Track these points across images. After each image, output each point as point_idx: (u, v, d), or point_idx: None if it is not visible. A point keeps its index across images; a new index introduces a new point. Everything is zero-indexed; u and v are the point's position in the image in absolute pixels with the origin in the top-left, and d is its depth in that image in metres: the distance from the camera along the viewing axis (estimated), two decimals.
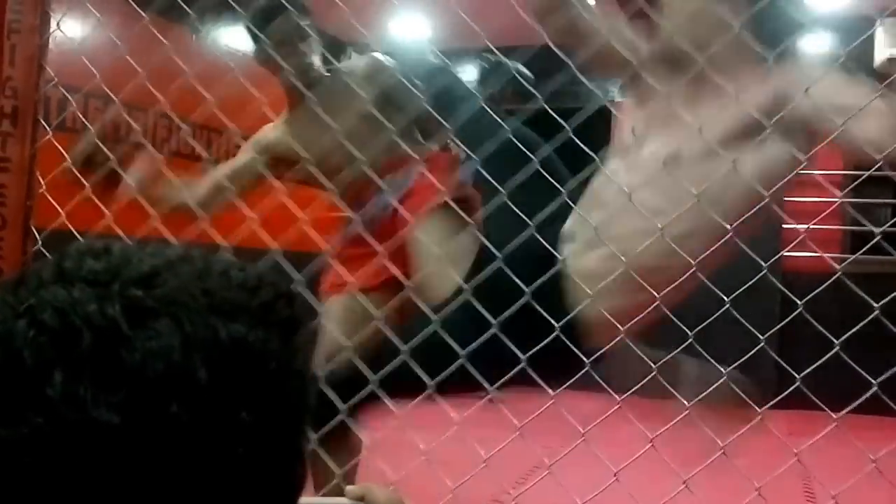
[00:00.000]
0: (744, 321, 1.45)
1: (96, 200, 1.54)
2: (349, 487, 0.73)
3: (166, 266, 0.43)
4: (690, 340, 1.47)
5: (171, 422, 0.38)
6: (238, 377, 0.40)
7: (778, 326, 1.61)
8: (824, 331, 1.40)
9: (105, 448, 0.37)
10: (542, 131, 1.71)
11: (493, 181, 1.50)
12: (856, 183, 4.63)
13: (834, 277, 1.40)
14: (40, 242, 1.54)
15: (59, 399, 0.37)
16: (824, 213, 3.78)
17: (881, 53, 5.31)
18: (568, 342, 1.44)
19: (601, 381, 1.50)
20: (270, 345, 0.41)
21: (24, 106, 1.41)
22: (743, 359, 1.43)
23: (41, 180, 1.45)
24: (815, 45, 6.20)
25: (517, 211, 1.45)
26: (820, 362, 1.42)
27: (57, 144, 1.59)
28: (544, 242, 1.49)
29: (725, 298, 1.44)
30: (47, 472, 0.37)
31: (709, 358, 1.52)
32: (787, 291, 1.46)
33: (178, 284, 0.42)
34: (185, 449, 0.38)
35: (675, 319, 1.46)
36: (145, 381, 0.38)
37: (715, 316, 1.46)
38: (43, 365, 0.37)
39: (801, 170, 1.46)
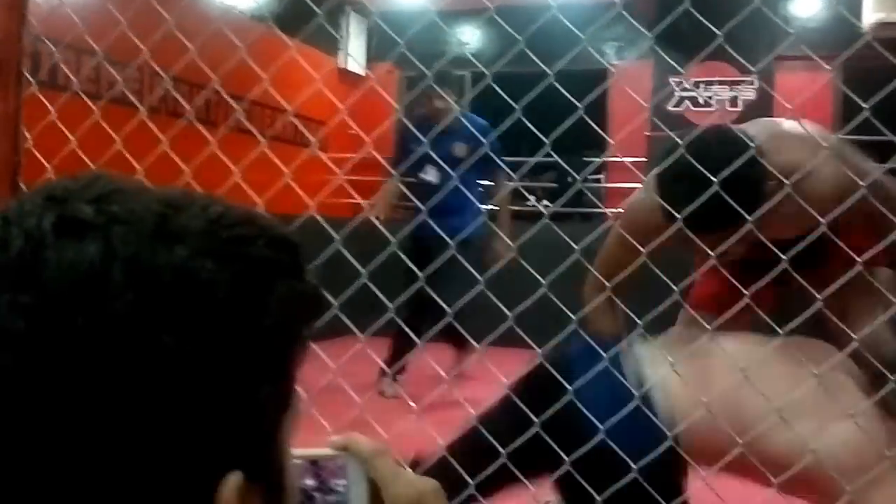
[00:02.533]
0: None
1: (84, 157, 1.53)
2: (332, 438, 0.72)
3: (136, 191, 0.42)
4: None
5: (76, 333, 0.36)
6: (164, 300, 0.38)
7: None
8: None
9: (13, 357, 0.36)
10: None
11: None
12: None
13: None
14: None
15: None
16: None
17: (869, 17, 5.27)
18: None
19: None
20: (220, 276, 0.40)
21: (6, 56, 1.36)
22: None
23: (27, 135, 1.43)
24: (804, 9, 6.17)
25: None
26: None
27: (44, 100, 1.57)
28: None
29: None
30: None
31: None
32: None
33: (132, 207, 0.41)
34: (92, 365, 0.37)
35: None
36: (54, 290, 0.37)
37: None
38: None
39: None
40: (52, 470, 0.36)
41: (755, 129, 1.69)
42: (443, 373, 1.73)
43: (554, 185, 7.87)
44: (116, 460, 0.37)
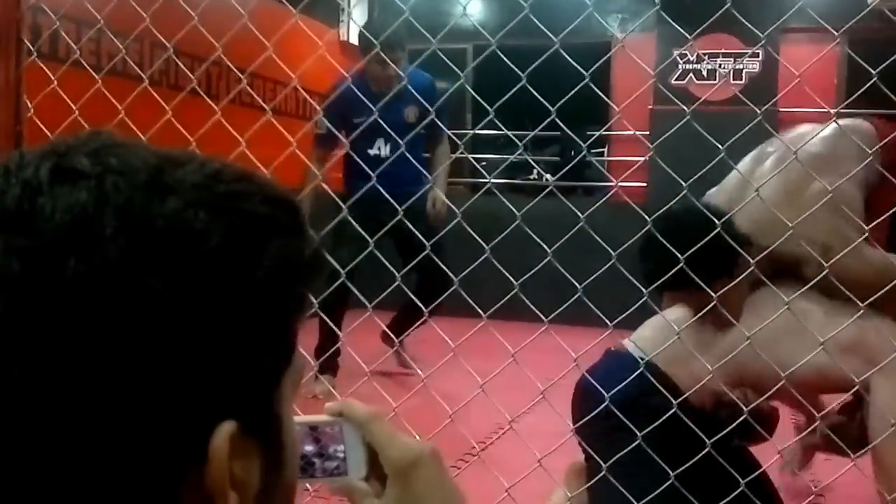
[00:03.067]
0: None
1: (85, 124, 1.53)
2: (328, 404, 0.72)
3: (135, 147, 0.43)
4: None
5: (69, 277, 0.37)
6: (156, 247, 0.39)
7: None
8: None
9: (6, 299, 0.37)
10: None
11: None
12: None
13: None
14: None
15: None
16: None
17: None
18: None
19: None
20: (212, 226, 0.40)
21: (5, 24, 1.35)
22: None
23: (29, 104, 1.43)
24: None
25: None
26: None
27: (45, 69, 1.57)
28: None
29: None
30: None
31: None
32: None
33: (129, 160, 0.41)
34: (84, 308, 0.37)
35: None
36: (48, 234, 0.38)
37: None
38: None
39: None
40: (41, 414, 0.37)
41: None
42: (450, 342, 1.74)
43: (556, 158, 7.85)
44: (106, 401, 0.38)
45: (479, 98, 1.66)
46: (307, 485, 0.71)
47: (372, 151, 3.87)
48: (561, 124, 1.58)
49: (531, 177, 8.11)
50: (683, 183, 1.51)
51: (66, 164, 0.40)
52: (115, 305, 0.37)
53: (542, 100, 1.54)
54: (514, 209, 1.69)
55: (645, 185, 5.67)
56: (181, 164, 0.43)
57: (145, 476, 0.39)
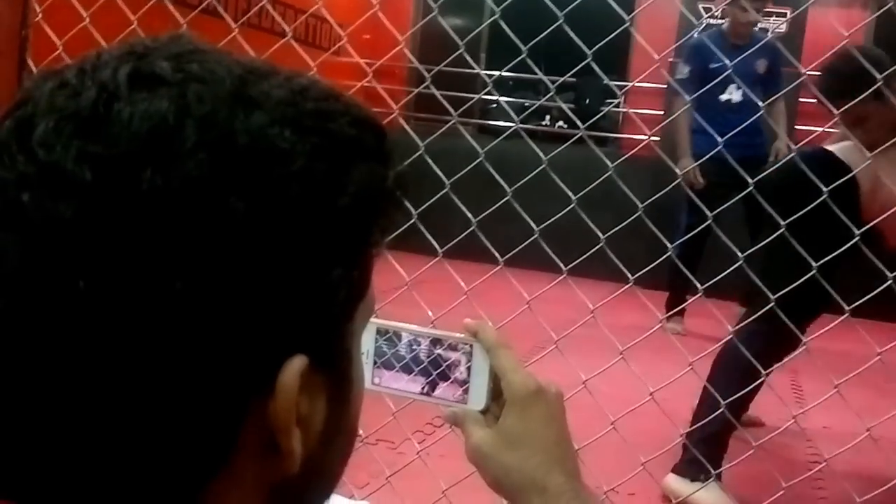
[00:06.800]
0: None
1: (95, 32, 1.49)
2: (467, 320, 0.71)
3: (214, 53, 0.40)
4: None
5: (143, 188, 0.35)
6: (237, 164, 0.36)
7: None
8: None
9: (77, 206, 0.34)
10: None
11: None
12: None
13: None
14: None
15: (37, 142, 0.35)
16: None
17: None
18: None
19: None
20: (298, 147, 0.38)
21: None
22: None
23: (37, 8, 1.39)
24: None
25: None
26: None
27: None
28: None
29: None
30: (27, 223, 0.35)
31: None
32: None
33: (212, 68, 0.39)
34: (157, 223, 0.34)
35: None
36: (124, 142, 0.35)
37: None
38: (42, 114, 0.36)
39: None
40: (104, 323, 0.34)
41: None
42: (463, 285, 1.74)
43: (571, 105, 7.74)
44: (174, 320, 0.35)
45: (577, 40, 1.63)
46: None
47: (723, 97, 4.27)
48: (595, 67, 1.59)
49: (543, 123, 8.01)
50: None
51: (145, 68, 0.38)
52: (192, 224, 0.35)
53: (579, 42, 1.52)
54: (541, 154, 1.68)
55: (658, 139, 5.61)
56: (265, 76, 0.40)
57: (209, 403, 0.37)
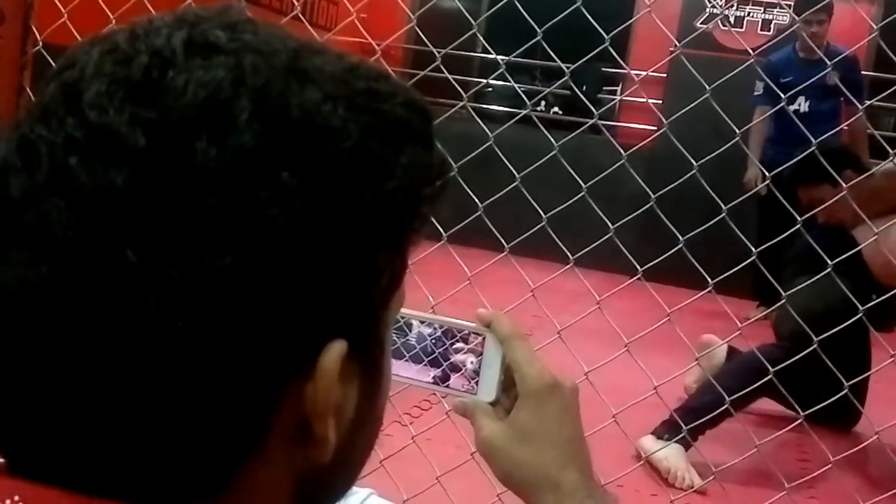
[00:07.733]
0: None
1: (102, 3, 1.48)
2: (480, 311, 0.69)
3: (265, 24, 0.40)
4: None
5: (196, 154, 0.34)
6: (291, 137, 0.36)
7: None
8: None
9: (129, 173, 0.34)
10: None
11: None
12: None
13: None
14: (41, 44, 1.51)
15: (87, 104, 0.35)
16: None
17: None
18: None
19: None
20: (350, 125, 0.37)
21: None
22: None
23: None
24: None
25: None
26: None
27: None
28: None
29: None
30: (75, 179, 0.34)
31: None
32: None
33: (267, 38, 0.38)
34: (210, 192, 0.34)
35: None
36: (178, 110, 0.34)
37: None
38: (90, 78, 0.36)
39: None
40: (147, 289, 0.34)
41: None
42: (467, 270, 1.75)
43: (566, 91, 7.73)
44: (222, 293, 0.34)
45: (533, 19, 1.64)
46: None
47: (792, 107, 4.54)
48: (612, 51, 1.60)
49: (538, 108, 7.99)
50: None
51: (200, 35, 0.37)
52: (244, 197, 0.34)
53: (596, 24, 1.53)
54: (553, 140, 1.68)
55: (656, 128, 5.61)
56: (318, 51, 0.39)
57: (249, 380, 0.36)
